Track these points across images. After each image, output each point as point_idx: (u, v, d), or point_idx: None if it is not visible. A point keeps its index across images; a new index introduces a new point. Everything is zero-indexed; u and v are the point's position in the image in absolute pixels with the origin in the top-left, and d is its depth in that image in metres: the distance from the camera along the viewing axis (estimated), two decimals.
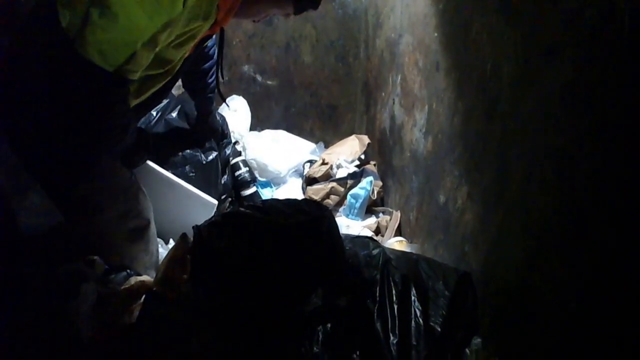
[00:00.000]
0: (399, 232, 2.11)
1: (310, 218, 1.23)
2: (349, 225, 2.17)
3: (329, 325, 1.12)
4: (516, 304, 1.13)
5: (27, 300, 1.47)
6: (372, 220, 2.26)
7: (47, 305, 1.48)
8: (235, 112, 2.73)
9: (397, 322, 1.13)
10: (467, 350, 1.11)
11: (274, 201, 1.31)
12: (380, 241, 2.03)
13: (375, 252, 1.30)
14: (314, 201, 1.30)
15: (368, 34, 2.73)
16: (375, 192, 2.36)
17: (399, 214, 2.14)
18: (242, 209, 1.27)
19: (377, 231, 2.18)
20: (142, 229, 1.61)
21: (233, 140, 2.54)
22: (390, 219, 2.18)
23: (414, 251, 1.79)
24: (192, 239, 1.51)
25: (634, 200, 0.77)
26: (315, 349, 1.08)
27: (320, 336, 1.11)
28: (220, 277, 1.19)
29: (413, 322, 1.13)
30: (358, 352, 1.10)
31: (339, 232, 1.30)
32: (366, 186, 2.31)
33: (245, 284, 1.18)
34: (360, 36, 2.85)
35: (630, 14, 0.75)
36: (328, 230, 1.24)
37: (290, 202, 1.30)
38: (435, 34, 1.64)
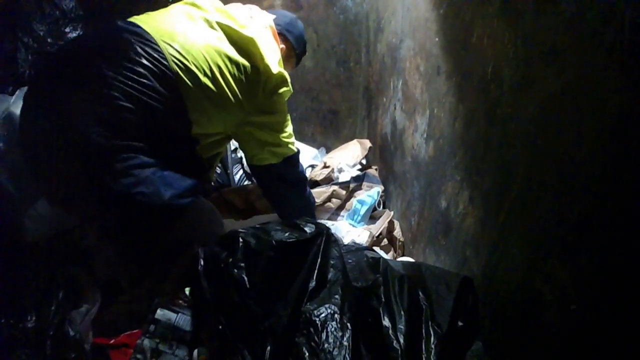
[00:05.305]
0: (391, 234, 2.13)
1: (307, 236, 1.32)
2: (350, 230, 2.17)
3: (334, 324, 1.13)
4: (517, 307, 1.12)
5: (29, 303, 1.47)
6: (371, 226, 2.25)
7: (47, 309, 1.48)
8: None
9: (403, 317, 1.16)
10: (468, 354, 1.11)
11: (274, 223, 1.41)
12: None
13: (375, 259, 1.36)
14: (312, 220, 1.41)
15: (369, 39, 2.73)
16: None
17: (392, 213, 2.19)
18: (244, 230, 1.35)
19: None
20: None
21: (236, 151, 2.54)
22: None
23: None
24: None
25: (634, 203, 0.77)
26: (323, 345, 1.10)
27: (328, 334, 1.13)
28: (225, 288, 1.26)
29: (423, 316, 1.16)
30: (364, 346, 1.12)
31: (338, 246, 1.35)
32: (374, 194, 2.31)
33: (246, 295, 1.23)
34: (361, 41, 2.85)
35: (630, 16, 0.75)
36: (326, 246, 1.31)
37: (289, 224, 1.39)
38: (436, 39, 1.64)
